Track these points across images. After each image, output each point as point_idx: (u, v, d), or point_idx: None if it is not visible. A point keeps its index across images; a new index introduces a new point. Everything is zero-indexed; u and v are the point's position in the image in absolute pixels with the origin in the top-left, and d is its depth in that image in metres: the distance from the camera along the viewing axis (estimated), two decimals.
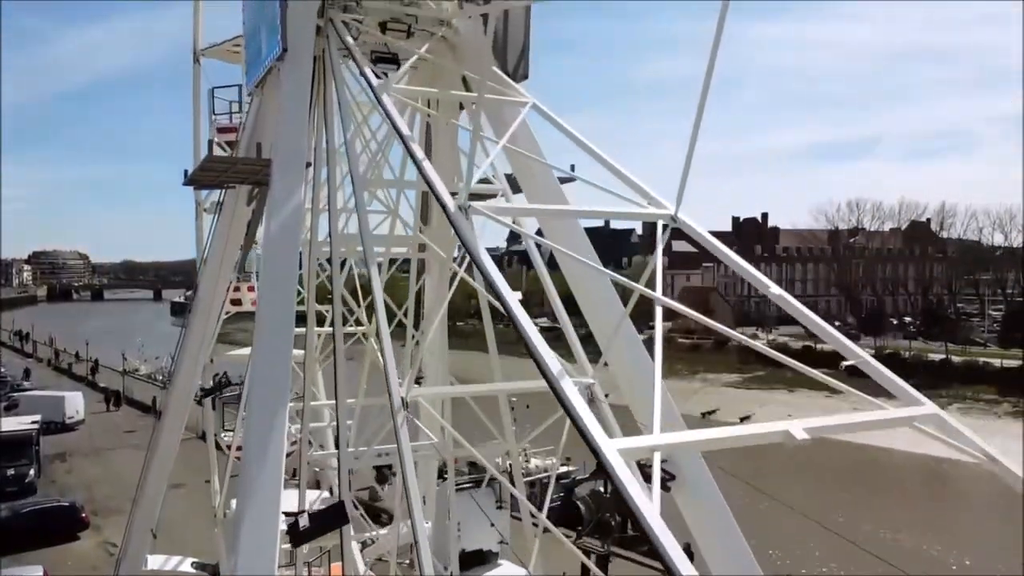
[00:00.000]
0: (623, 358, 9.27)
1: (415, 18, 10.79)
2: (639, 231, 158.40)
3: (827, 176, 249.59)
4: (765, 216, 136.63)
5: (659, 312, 7.04)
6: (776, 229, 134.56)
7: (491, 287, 6.30)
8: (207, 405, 22.21)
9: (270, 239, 9.39)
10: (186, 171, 12.12)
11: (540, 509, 11.60)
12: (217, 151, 19.10)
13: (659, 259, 7.90)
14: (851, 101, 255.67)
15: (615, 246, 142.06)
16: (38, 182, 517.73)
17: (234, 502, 19.32)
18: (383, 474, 18.13)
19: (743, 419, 77.72)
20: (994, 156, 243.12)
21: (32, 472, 41.12)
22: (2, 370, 78.69)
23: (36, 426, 44.48)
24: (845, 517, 40.83)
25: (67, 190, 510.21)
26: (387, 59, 10.88)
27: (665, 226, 8.20)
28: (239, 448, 19.01)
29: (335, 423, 12.96)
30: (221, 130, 20.62)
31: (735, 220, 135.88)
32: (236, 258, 12.92)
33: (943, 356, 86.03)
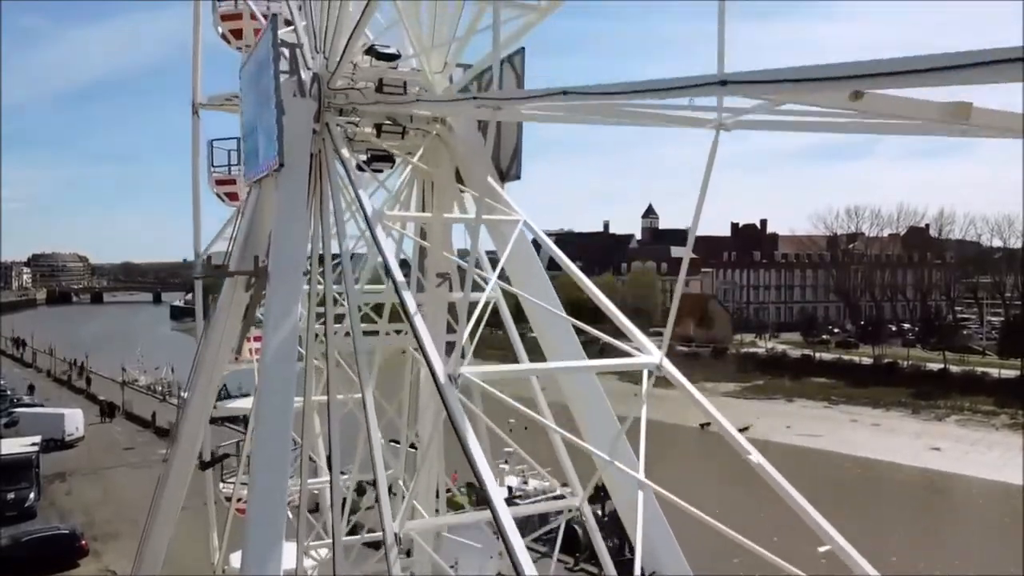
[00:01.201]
0: (617, 483, 9.42)
1: (410, 117, 10.91)
2: (639, 236, 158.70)
3: (827, 176, 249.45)
4: (764, 222, 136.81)
5: (640, 499, 7.12)
6: (775, 235, 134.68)
7: (474, 472, 6.45)
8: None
9: (268, 346, 9.51)
10: (185, 259, 12.24)
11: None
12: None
13: (643, 415, 7.97)
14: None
15: (614, 252, 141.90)
16: (35, 182, 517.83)
17: (232, 557, 19.51)
18: (362, 487, 18.31)
19: (742, 430, 77.49)
20: (994, 157, 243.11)
21: (32, 496, 41.22)
22: (1, 383, 78.60)
23: (36, 448, 44.55)
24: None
25: (65, 190, 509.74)
26: (382, 158, 11.03)
27: (650, 373, 8.27)
28: (239, 500, 19.14)
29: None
30: (220, 182, 20.79)
31: (734, 226, 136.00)
32: (235, 336, 13.06)
33: (941, 365, 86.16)
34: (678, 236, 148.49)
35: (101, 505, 43.34)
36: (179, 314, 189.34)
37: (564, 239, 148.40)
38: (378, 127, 10.71)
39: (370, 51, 10.83)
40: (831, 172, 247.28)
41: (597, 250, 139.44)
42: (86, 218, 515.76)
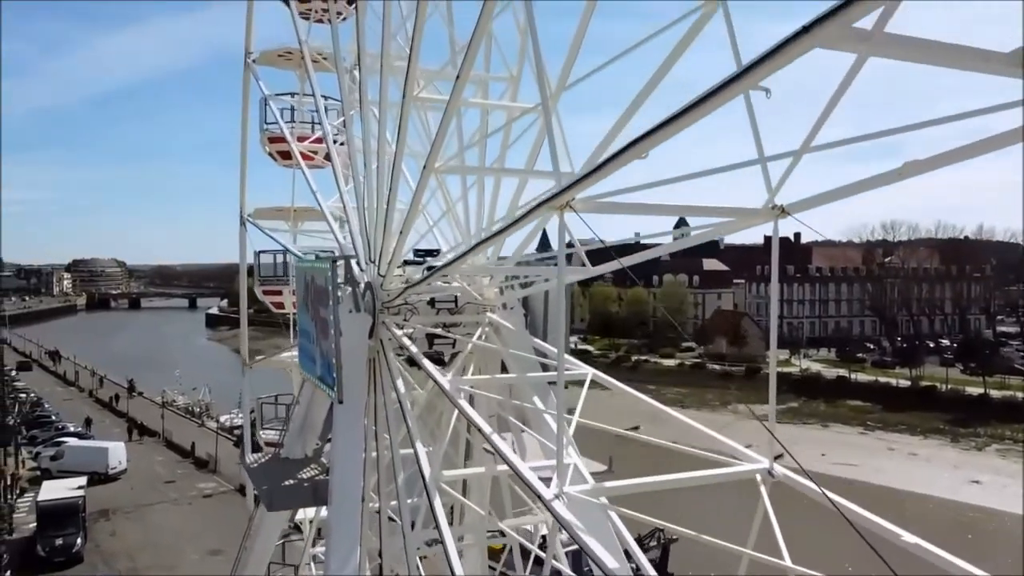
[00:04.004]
0: None
1: (459, 324, 11.13)
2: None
3: (856, 178, 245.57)
4: (798, 236, 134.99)
5: None
6: (809, 248, 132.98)
7: None
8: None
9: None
10: (242, 457, 12.59)
11: None
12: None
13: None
14: (876, 102, 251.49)
15: (646, 264, 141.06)
16: (66, 184, 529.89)
17: None
18: None
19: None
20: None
21: (79, 541, 42.26)
22: (46, 405, 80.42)
23: (82, 492, 45.65)
24: None
25: (97, 192, 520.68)
26: (435, 359, 11.27)
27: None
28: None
29: None
30: (267, 292, 21.37)
31: (767, 239, 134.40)
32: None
33: (981, 390, 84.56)
34: (708, 247, 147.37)
35: (143, 549, 44.32)
36: (214, 322, 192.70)
37: (596, 251, 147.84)
38: (430, 339, 10.95)
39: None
40: (861, 173, 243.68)
41: (630, 264, 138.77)
42: (119, 219, 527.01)
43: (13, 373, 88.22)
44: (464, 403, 8.58)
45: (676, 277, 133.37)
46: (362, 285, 11.07)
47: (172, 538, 45.67)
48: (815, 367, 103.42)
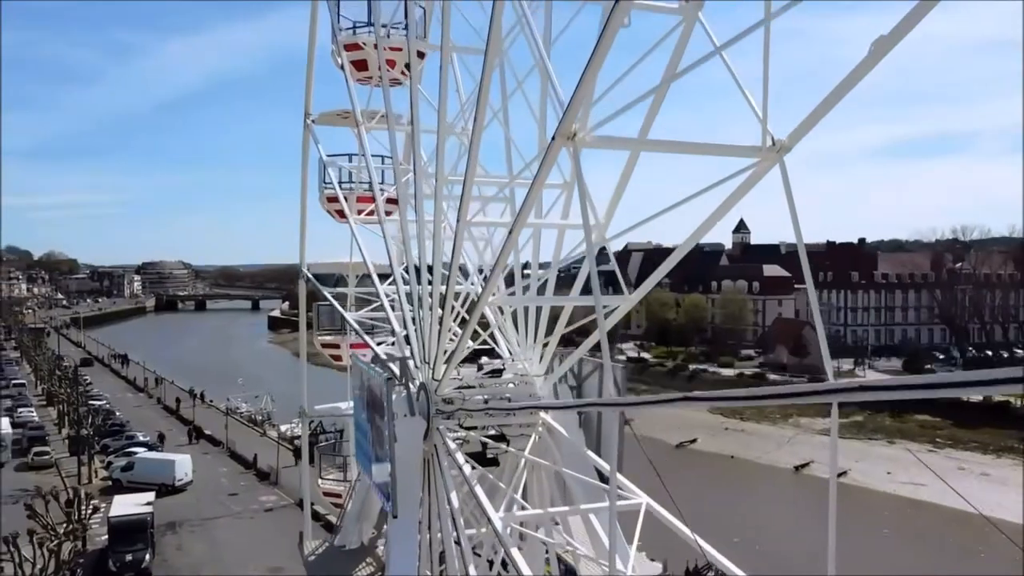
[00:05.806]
0: None
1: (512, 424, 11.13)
2: (728, 246, 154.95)
3: (921, 174, 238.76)
4: (862, 240, 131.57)
5: None
6: (874, 254, 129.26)
7: None
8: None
9: None
10: (300, 547, 12.83)
11: None
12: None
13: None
14: (944, 96, 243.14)
15: (703, 268, 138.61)
16: (134, 187, 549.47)
17: None
18: None
19: (839, 475, 75.10)
20: None
21: (148, 557, 43.62)
22: (117, 413, 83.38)
23: (150, 508, 47.12)
24: None
25: (166, 195, 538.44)
26: (488, 462, 11.28)
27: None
28: None
29: None
30: (325, 345, 21.82)
31: (830, 244, 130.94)
32: None
33: None
34: (768, 252, 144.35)
35: (206, 564, 45.50)
36: (276, 325, 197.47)
37: (652, 255, 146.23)
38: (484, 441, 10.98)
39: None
40: (925, 168, 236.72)
41: (686, 267, 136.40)
42: (184, 221, 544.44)
43: (86, 379, 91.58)
44: (516, 552, 8.55)
45: (735, 283, 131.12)
46: (416, 383, 11.15)
47: (235, 554, 46.83)
48: (880, 378, 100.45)
